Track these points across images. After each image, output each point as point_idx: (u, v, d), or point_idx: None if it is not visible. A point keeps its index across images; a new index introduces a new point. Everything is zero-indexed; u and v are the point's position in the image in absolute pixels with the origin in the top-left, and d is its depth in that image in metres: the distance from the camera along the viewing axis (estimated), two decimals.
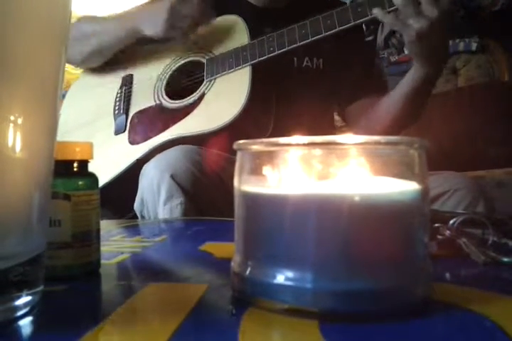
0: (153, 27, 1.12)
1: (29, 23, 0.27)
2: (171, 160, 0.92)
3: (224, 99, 1.09)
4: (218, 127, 1.03)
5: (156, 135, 1.11)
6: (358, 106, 1.20)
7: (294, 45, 1.05)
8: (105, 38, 1.22)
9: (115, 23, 1.21)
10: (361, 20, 0.99)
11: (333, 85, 1.21)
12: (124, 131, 1.18)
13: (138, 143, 1.13)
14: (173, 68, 1.22)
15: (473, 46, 2.15)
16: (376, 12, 0.95)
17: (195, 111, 1.10)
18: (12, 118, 0.27)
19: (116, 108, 1.24)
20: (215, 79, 1.13)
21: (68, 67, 1.47)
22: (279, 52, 1.06)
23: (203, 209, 0.90)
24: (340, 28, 1.01)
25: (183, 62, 1.21)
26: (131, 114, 1.21)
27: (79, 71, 1.43)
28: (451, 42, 2.18)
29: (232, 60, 1.11)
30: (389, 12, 0.95)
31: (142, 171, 0.97)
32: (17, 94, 0.27)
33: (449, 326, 0.28)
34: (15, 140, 0.27)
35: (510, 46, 2.13)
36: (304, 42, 1.04)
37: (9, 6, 0.26)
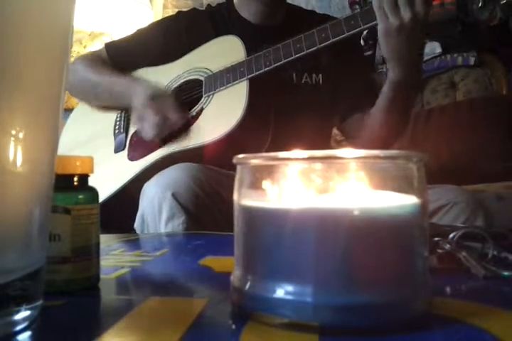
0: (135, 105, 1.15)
1: (31, 37, 0.28)
2: (172, 179, 0.92)
3: (222, 112, 1.10)
4: (215, 139, 1.03)
5: (154, 150, 1.12)
6: (354, 120, 1.21)
7: (290, 58, 1.06)
8: (94, 97, 1.29)
9: (103, 87, 1.24)
10: (354, 31, 1.01)
11: (332, 100, 1.22)
12: (124, 149, 1.19)
13: (137, 159, 1.14)
14: (173, 86, 1.23)
15: (472, 60, 2.17)
16: None
17: (194, 126, 1.11)
18: (13, 132, 0.27)
19: (117, 127, 1.26)
20: (213, 94, 1.14)
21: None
22: (276, 65, 1.07)
23: (205, 228, 0.89)
24: (334, 39, 1.02)
25: (182, 81, 1.23)
26: (130, 133, 1.22)
27: None
28: (449, 56, 2.19)
29: (229, 75, 1.12)
30: None
31: (143, 190, 0.97)
32: (18, 108, 0.28)
33: (449, 340, 0.28)
34: (16, 154, 0.27)
35: (508, 60, 2.15)
36: (300, 54, 1.05)
37: (11, 20, 0.26)
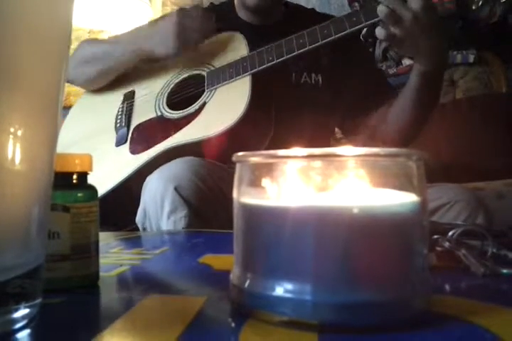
0: (164, 47, 1.14)
1: (30, 35, 0.28)
2: (175, 173, 0.92)
3: (224, 106, 1.10)
4: (217, 133, 1.03)
5: (157, 144, 1.12)
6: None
7: (293, 54, 1.06)
8: (108, 62, 1.26)
9: (118, 47, 1.23)
10: (356, 27, 1.02)
11: (332, 100, 1.22)
12: (125, 143, 1.19)
13: (139, 152, 1.14)
14: (175, 81, 1.23)
15: (471, 58, 2.17)
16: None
17: (196, 120, 1.11)
18: (12, 130, 0.27)
19: (118, 121, 1.26)
20: (215, 89, 1.14)
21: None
22: (278, 61, 1.08)
23: (207, 221, 0.89)
24: (337, 35, 1.03)
25: (184, 76, 1.23)
26: (132, 127, 1.22)
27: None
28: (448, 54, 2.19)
29: (232, 70, 1.12)
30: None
31: (145, 183, 0.97)
32: (17, 105, 0.28)
33: (448, 338, 0.28)
34: (15, 152, 0.27)
35: (508, 58, 2.14)
36: (302, 50, 1.06)
37: (10, 18, 0.26)
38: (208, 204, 0.91)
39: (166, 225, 0.90)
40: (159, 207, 0.91)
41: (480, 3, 1.91)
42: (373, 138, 1.18)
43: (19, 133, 0.27)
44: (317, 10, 1.43)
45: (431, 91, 1.09)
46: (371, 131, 1.21)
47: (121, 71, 1.27)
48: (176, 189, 0.89)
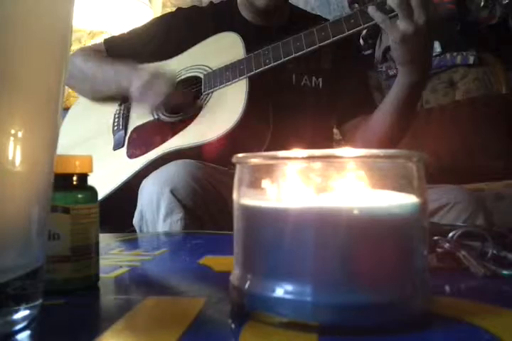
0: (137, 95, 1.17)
1: (30, 37, 0.28)
2: (171, 175, 0.92)
3: (221, 110, 1.09)
4: (215, 138, 1.03)
5: (154, 148, 1.12)
6: (352, 124, 1.21)
7: (290, 56, 1.06)
8: (94, 85, 1.29)
9: (102, 73, 1.24)
10: (354, 30, 1.01)
11: (331, 103, 1.22)
12: (123, 146, 1.19)
13: (136, 156, 1.14)
14: None
15: (471, 59, 2.17)
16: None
17: (193, 124, 1.10)
18: (12, 131, 0.27)
19: (115, 124, 1.25)
20: (212, 92, 1.14)
21: None
22: (275, 64, 1.07)
23: (203, 224, 0.89)
24: (334, 38, 1.02)
25: (181, 77, 1.22)
26: (129, 130, 1.22)
27: None
28: (448, 55, 2.19)
29: (228, 73, 1.12)
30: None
31: (141, 186, 0.97)
32: (17, 107, 0.28)
33: (448, 339, 0.28)
34: (15, 153, 0.27)
35: (508, 59, 2.15)
36: (300, 53, 1.05)
37: (10, 20, 0.26)
38: (204, 207, 0.91)
39: (162, 228, 0.90)
40: (155, 210, 0.91)
41: (482, 3, 1.91)
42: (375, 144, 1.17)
43: (19, 135, 0.27)
44: (317, 11, 1.43)
45: (414, 101, 1.10)
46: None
47: (110, 94, 1.29)
48: (171, 192, 0.89)
